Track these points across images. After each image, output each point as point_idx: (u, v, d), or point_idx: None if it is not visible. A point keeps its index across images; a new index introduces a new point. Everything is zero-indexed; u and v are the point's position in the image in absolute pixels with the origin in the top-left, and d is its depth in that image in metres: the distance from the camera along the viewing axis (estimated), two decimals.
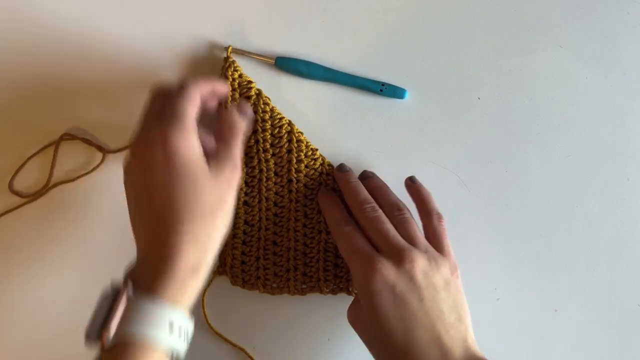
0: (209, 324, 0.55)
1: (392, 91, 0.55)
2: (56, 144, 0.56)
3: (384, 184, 0.53)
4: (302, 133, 0.54)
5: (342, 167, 0.54)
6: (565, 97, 0.56)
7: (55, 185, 0.56)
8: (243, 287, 0.55)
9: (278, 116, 0.53)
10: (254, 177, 0.54)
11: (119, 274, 0.55)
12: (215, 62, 0.55)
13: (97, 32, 0.56)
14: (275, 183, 0.54)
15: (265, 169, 0.54)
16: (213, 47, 0.55)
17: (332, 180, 0.54)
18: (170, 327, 0.40)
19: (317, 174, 0.54)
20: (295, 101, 0.55)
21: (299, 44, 0.55)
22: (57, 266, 0.56)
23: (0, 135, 0.56)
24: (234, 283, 0.55)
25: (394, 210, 0.51)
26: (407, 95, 0.55)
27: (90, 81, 0.56)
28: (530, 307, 0.55)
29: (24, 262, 0.56)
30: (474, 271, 0.54)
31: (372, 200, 0.51)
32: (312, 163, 0.54)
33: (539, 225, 0.55)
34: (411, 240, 0.49)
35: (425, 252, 0.49)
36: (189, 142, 0.43)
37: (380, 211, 0.51)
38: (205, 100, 0.48)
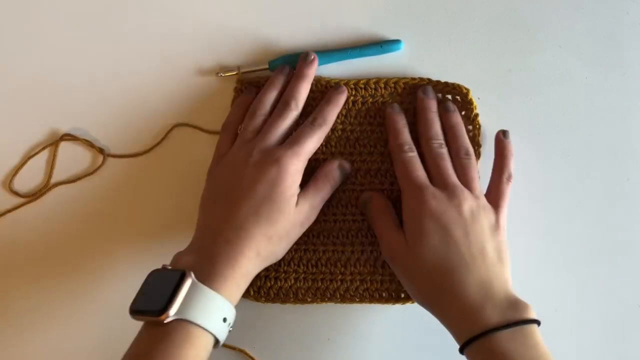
0: None
1: (388, 46, 0.55)
2: (56, 144, 0.56)
3: (461, 122, 0.53)
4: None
5: (427, 91, 0.54)
6: (565, 97, 0.56)
7: (55, 185, 0.56)
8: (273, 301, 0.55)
9: None
10: None
11: (117, 274, 0.55)
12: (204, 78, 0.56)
13: (98, 32, 0.56)
14: None
15: None
16: (199, 63, 0.56)
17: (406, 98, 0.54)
18: (223, 319, 0.45)
19: None
20: None
21: (284, 40, 0.56)
22: (57, 266, 0.56)
23: (0, 135, 0.56)
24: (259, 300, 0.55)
25: (461, 152, 0.52)
26: (403, 46, 0.55)
27: (91, 82, 0.56)
28: None
29: (24, 262, 0.56)
30: None
31: (442, 136, 0.53)
32: None
33: (539, 225, 0.55)
34: (468, 184, 0.50)
35: (477, 197, 0.50)
36: (296, 177, 0.50)
37: (445, 149, 0.52)
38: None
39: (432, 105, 0.53)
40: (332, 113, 0.53)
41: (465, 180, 0.51)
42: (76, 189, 0.56)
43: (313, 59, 0.54)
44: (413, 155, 0.52)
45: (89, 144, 0.55)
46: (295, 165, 0.49)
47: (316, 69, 0.54)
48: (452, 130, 0.53)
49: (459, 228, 0.48)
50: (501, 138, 0.53)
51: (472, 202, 0.49)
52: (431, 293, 0.48)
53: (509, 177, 0.52)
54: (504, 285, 0.47)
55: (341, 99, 0.54)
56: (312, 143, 0.51)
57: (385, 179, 0.54)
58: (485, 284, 0.46)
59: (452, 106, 0.54)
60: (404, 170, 0.51)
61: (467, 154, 0.52)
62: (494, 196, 0.51)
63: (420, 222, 0.48)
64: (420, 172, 0.51)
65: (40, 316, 0.55)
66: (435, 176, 0.51)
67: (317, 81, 0.54)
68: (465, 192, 0.50)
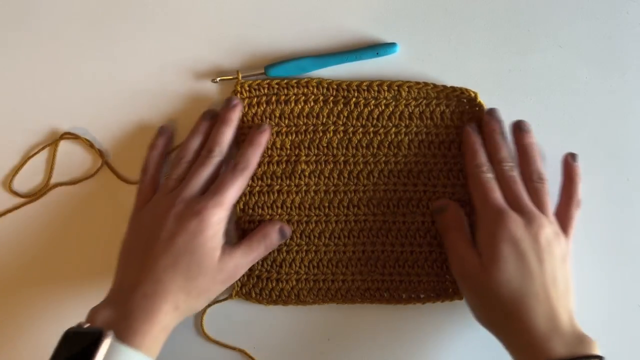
0: (205, 334, 0.55)
1: (384, 50, 0.55)
2: (56, 143, 0.56)
3: (534, 143, 0.53)
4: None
5: (494, 113, 0.53)
6: (565, 97, 0.56)
7: (55, 186, 0.56)
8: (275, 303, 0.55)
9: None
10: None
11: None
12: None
13: (96, 34, 0.56)
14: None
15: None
16: (195, 64, 0.56)
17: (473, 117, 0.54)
18: None
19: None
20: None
21: (281, 45, 0.56)
22: (54, 265, 0.56)
23: (0, 134, 0.56)
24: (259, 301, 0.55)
25: (534, 176, 0.52)
26: (398, 49, 0.55)
27: (88, 84, 0.56)
28: None
29: (23, 261, 0.56)
30: None
31: (511, 158, 0.52)
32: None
33: None
34: (542, 209, 0.50)
35: (552, 223, 0.50)
36: (218, 228, 0.49)
37: (517, 171, 0.52)
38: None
39: (498, 127, 0.53)
40: (255, 155, 0.52)
41: (539, 205, 0.50)
42: (76, 189, 0.56)
43: (235, 104, 0.53)
44: (491, 176, 0.51)
45: (89, 143, 0.55)
46: (217, 215, 0.49)
47: (240, 114, 0.54)
48: (524, 151, 0.53)
49: (534, 256, 0.48)
50: (570, 162, 0.53)
51: (549, 230, 0.49)
52: (499, 318, 0.48)
53: (579, 203, 0.52)
54: (570, 318, 0.47)
55: (263, 139, 0.53)
56: (234, 190, 0.50)
57: (388, 180, 0.54)
58: (554, 315, 0.47)
59: (526, 125, 0.53)
60: (482, 191, 0.51)
61: (540, 178, 0.51)
62: (563, 222, 0.51)
63: (498, 246, 0.48)
64: (498, 194, 0.51)
65: (37, 316, 0.56)
66: (510, 200, 0.50)
67: (319, 83, 0.54)
68: (543, 218, 0.49)
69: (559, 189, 0.53)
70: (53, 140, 0.56)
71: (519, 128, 0.53)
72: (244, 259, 0.51)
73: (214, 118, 0.54)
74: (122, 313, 0.46)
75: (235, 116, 0.53)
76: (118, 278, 0.49)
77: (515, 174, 0.51)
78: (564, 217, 0.52)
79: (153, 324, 0.45)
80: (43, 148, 0.56)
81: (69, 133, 0.56)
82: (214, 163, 0.52)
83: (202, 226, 0.48)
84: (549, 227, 0.49)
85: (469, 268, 0.50)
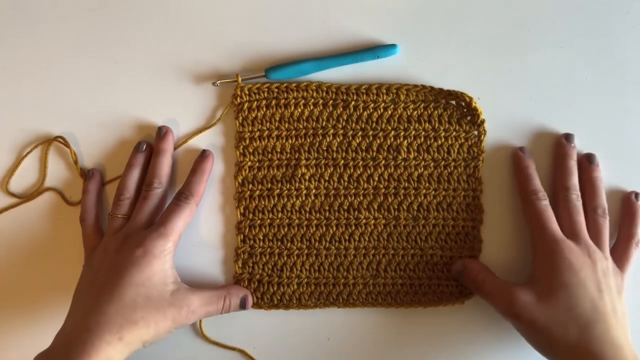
0: (204, 335, 0.55)
1: (384, 52, 0.54)
2: (48, 143, 0.55)
3: (601, 179, 0.53)
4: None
5: (571, 139, 0.54)
6: (565, 97, 0.56)
7: (48, 190, 0.55)
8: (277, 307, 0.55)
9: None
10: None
11: None
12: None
13: (98, 34, 0.56)
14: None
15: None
16: (198, 66, 0.55)
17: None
18: None
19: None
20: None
21: (281, 47, 0.55)
22: (51, 264, 0.55)
23: None
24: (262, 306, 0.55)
25: (598, 210, 0.52)
26: (398, 50, 0.55)
27: (90, 84, 0.56)
28: None
29: (20, 261, 0.56)
30: None
31: (578, 188, 0.53)
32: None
33: None
34: (599, 244, 0.51)
35: (607, 259, 0.50)
36: (164, 260, 0.49)
37: (581, 202, 0.52)
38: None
39: (574, 153, 0.53)
40: (200, 184, 0.53)
41: (597, 239, 0.51)
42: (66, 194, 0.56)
43: (166, 132, 0.54)
44: (546, 203, 0.52)
45: (75, 159, 0.55)
46: (162, 247, 0.49)
47: (174, 141, 0.54)
48: (592, 183, 0.53)
49: (593, 285, 0.48)
50: (633, 201, 0.54)
51: (604, 263, 0.50)
52: (564, 348, 0.47)
53: (638, 243, 0.53)
54: (631, 350, 0.47)
55: (207, 166, 0.53)
56: (180, 220, 0.50)
57: (389, 184, 0.54)
58: (619, 347, 0.47)
59: (597, 159, 0.54)
60: (539, 219, 0.51)
61: (605, 213, 0.52)
62: (620, 258, 0.52)
63: (558, 275, 0.49)
64: (555, 224, 0.51)
65: (33, 317, 0.56)
66: (569, 229, 0.51)
67: (319, 86, 0.54)
68: (598, 252, 0.50)
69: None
70: (45, 140, 0.55)
71: (589, 160, 0.53)
72: (199, 308, 0.50)
73: (147, 149, 0.54)
74: (60, 352, 0.45)
75: (168, 145, 0.53)
76: (65, 322, 0.49)
77: (580, 204, 0.52)
78: (622, 255, 0.52)
79: (91, 357, 0.44)
80: (36, 147, 0.55)
81: (61, 137, 0.55)
82: (156, 195, 0.52)
83: (146, 259, 0.48)
84: (604, 261, 0.50)
85: (522, 305, 0.49)
